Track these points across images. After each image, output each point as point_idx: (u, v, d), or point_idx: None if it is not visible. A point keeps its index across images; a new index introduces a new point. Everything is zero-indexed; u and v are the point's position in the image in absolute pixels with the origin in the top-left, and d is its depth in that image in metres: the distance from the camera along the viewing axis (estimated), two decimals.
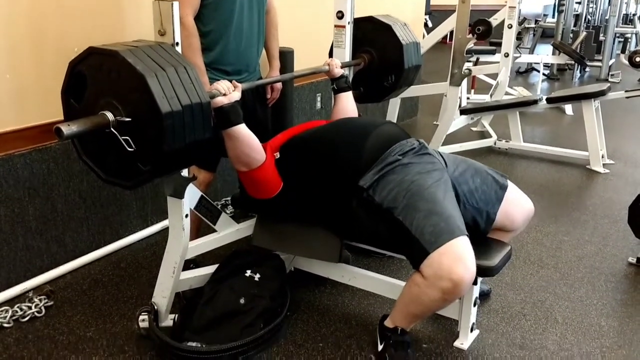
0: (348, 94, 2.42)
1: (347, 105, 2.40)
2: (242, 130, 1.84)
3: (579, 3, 8.73)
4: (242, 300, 1.94)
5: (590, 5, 9.49)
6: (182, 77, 1.52)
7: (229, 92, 1.79)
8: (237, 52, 2.25)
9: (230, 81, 1.85)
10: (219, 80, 1.86)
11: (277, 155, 2.01)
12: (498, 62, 5.01)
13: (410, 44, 2.61)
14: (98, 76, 1.51)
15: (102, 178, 1.62)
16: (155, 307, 1.95)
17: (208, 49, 2.18)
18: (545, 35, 9.20)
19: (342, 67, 2.42)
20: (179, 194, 1.79)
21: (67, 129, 1.37)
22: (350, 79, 2.64)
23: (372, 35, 2.63)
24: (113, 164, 1.58)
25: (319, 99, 3.91)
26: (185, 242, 1.88)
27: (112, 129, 1.46)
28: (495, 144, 4.44)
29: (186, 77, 1.54)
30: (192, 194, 1.90)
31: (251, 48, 2.32)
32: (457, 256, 1.64)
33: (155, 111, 1.43)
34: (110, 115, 1.47)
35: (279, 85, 2.51)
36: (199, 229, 2.29)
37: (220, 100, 1.77)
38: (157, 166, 1.53)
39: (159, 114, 1.43)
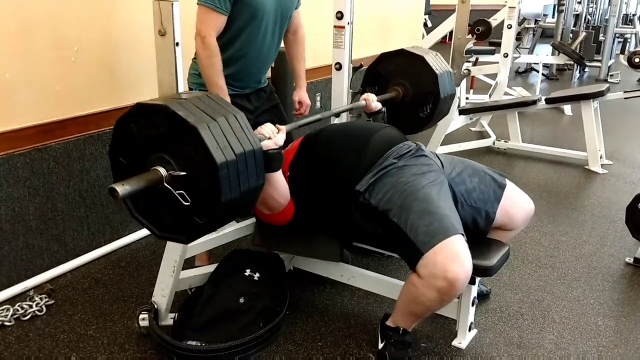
0: None
1: None
2: (278, 176, 1.82)
3: (579, 3, 8.74)
4: (241, 300, 1.95)
5: (590, 5, 9.50)
6: (233, 126, 1.49)
7: (273, 135, 1.76)
8: (249, 74, 2.24)
9: (274, 124, 1.82)
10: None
11: (288, 174, 1.97)
12: (497, 62, 5.02)
13: (444, 73, 2.59)
14: (147, 131, 1.46)
15: (157, 235, 1.57)
16: (155, 306, 1.96)
17: (223, 64, 2.13)
18: (545, 35, 9.21)
19: (378, 101, 2.39)
20: None
21: (122, 189, 1.32)
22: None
23: (405, 67, 2.60)
24: (167, 220, 1.53)
25: (318, 98, 3.92)
26: None
27: (165, 184, 1.42)
28: (494, 144, 4.45)
29: (237, 125, 1.50)
30: None
31: (264, 69, 2.32)
32: (451, 255, 1.64)
33: (210, 162, 1.38)
34: (163, 171, 1.42)
35: (308, 101, 2.52)
36: None
37: (267, 145, 1.72)
38: (214, 218, 1.48)
39: (214, 165, 1.38)
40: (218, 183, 1.40)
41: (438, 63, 2.61)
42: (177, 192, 1.42)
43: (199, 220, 1.47)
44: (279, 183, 1.84)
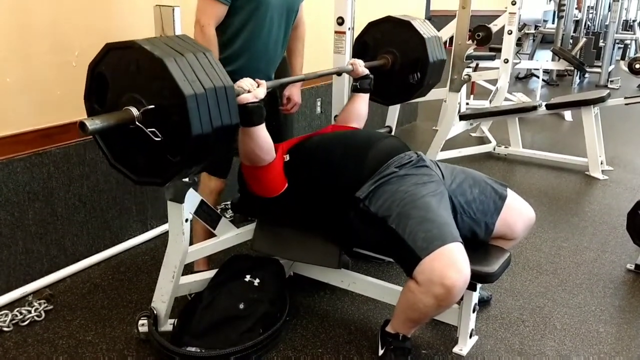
0: (365, 96, 2.40)
1: (360, 107, 2.38)
2: (260, 131, 1.81)
3: (578, 9, 8.76)
4: (241, 305, 1.94)
5: (590, 11, 9.52)
6: (202, 62, 1.50)
7: (253, 89, 1.74)
8: (257, 69, 2.19)
9: (254, 78, 1.79)
10: None
11: (287, 157, 2.00)
12: (497, 68, 5.03)
13: (432, 38, 2.58)
14: (118, 72, 1.49)
15: (134, 180, 1.59)
16: (155, 312, 1.95)
17: (227, 60, 2.12)
18: (545, 41, 9.23)
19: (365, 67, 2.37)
20: (179, 199, 1.79)
21: (91, 123, 1.34)
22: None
23: (393, 35, 2.60)
24: (143, 163, 1.55)
25: (319, 103, 3.92)
26: (185, 246, 1.88)
27: (137, 123, 1.43)
28: (494, 149, 4.44)
29: (206, 61, 1.52)
30: (192, 199, 1.90)
31: (272, 64, 2.29)
32: (449, 261, 1.64)
33: (178, 95, 1.40)
34: (134, 110, 1.44)
35: (298, 99, 2.47)
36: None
37: (246, 98, 1.70)
38: (187, 155, 1.49)
39: (182, 97, 1.39)
40: (187, 115, 1.41)
41: (425, 28, 2.61)
42: (149, 130, 1.43)
43: (172, 158, 1.48)
44: (260, 138, 1.82)
